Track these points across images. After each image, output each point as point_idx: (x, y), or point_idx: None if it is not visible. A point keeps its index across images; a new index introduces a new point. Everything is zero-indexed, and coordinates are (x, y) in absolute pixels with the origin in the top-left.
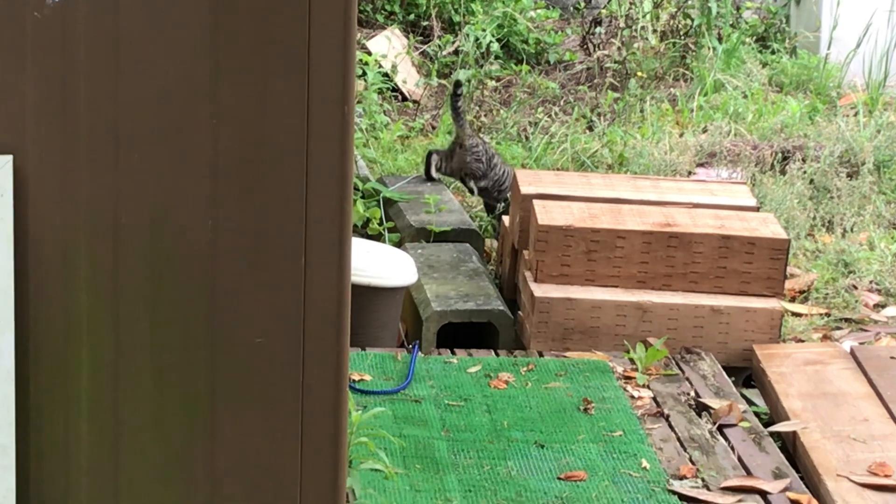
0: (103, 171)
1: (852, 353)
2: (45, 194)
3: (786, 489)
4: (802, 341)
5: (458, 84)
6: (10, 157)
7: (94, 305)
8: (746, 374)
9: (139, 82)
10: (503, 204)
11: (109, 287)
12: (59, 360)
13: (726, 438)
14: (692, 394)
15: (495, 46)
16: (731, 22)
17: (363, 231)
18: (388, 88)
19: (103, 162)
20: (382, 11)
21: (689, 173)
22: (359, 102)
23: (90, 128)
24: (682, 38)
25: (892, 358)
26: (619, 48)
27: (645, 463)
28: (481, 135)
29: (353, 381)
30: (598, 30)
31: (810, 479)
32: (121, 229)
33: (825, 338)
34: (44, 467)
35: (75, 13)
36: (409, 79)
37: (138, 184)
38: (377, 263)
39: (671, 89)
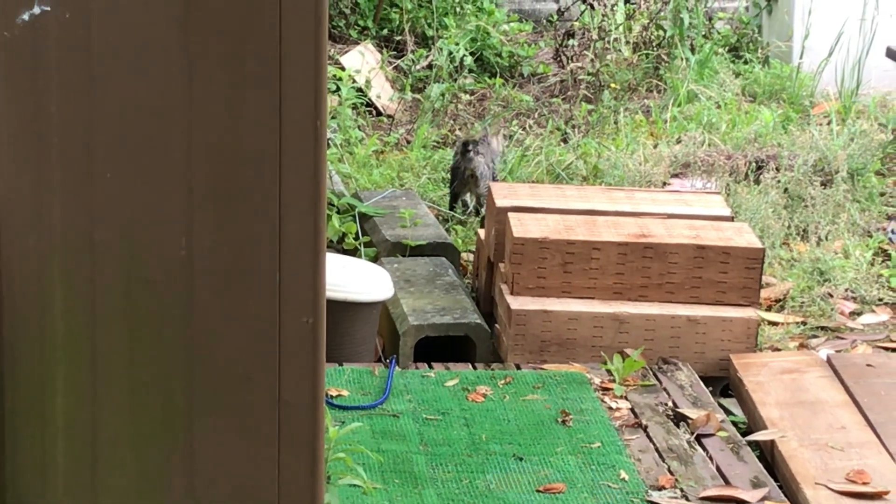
0: (77, 190)
1: (829, 361)
2: (17, 214)
3: (764, 498)
4: (779, 350)
5: (465, 146)
6: None
7: (69, 324)
8: (724, 383)
9: (111, 101)
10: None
11: (85, 306)
12: (35, 379)
13: (704, 448)
14: (670, 404)
15: (469, 60)
16: (703, 33)
17: (339, 246)
18: (362, 103)
19: (76, 181)
20: (355, 27)
21: (664, 184)
22: (333, 118)
23: (63, 147)
24: (655, 49)
25: (868, 365)
26: (592, 60)
27: (623, 474)
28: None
29: (331, 396)
30: (571, 42)
31: (789, 487)
32: (95, 248)
33: (801, 346)
34: (20, 487)
35: (46, 32)
36: (382, 94)
37: (112, 202)
38: (353, 278)
39: (645, 100)
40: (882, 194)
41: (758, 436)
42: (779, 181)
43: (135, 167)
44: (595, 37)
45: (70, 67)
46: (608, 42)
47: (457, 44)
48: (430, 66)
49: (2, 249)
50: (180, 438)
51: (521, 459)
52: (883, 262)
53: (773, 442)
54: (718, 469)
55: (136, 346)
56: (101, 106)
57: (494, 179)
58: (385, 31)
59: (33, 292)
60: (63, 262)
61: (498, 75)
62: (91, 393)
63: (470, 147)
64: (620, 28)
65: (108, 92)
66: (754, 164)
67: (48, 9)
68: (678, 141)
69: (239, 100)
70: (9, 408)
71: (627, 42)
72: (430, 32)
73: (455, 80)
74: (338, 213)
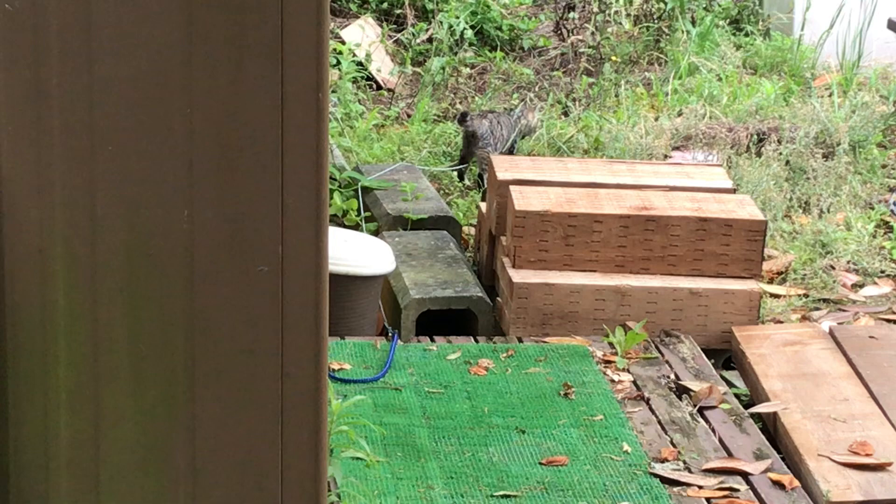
0: (78, 163)
1: (831, 333)
2: (19, 187)
3: (767, 470)
4: (781, 322)
5: (463, 117)
6: None
7: (70, 298)
8: (726, 356)
9: (112, 73)
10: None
11: (86, 279)
12: (37, 353)
13: (707, 421)
14: (672, 377)
15: (469, 33)
16: (704, 5)
17: (340, 221)
18: (362, 77)
19: (78, 154)
20: (355, 0)
21: (665, 157)
22: (333, 92)
23: (64, 120)
24: (656, 21)
25: (870, 337)
26: (592, 33)
27: (626, 446)
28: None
29: (333, 370)
30: (571, 15)
31: (791, 459)
32: (97, 221)
33: (804, 318)
34: (23, 461)
35: (46, 5)
36: (383, 67)
37: (114, 175)
38: (355, 252)
39: (646, 73)
40: (884, 166)
41: (760, 408)
42: (780, 153)
43: (136, 141)
44: (595, 9)
45: (70, 40)
46: (609, 15)
47: (457, 17)
48: (430, 40)
49: (3, 223)
50: (182, 411)
51: (523, 432)
52: (885, 234)
53: (775, 414)
54: (721, 441)
55: (137, 319)
56: (101, 79)
57: (514, 144)
58: (385, 5)
59: (35, 266)
60: (64, 235)
61: (498, 49)
62: (93, 367)
63: (467, 119)
64: (621, 0)
65: (108, 65)
66: (756, 137)
67: None
68: (679, 114)
69: (240, 72)
70: (11, 381)
71: (628, 15)
72: (429, 6)
73: (455, 53)
74: (339, 187)
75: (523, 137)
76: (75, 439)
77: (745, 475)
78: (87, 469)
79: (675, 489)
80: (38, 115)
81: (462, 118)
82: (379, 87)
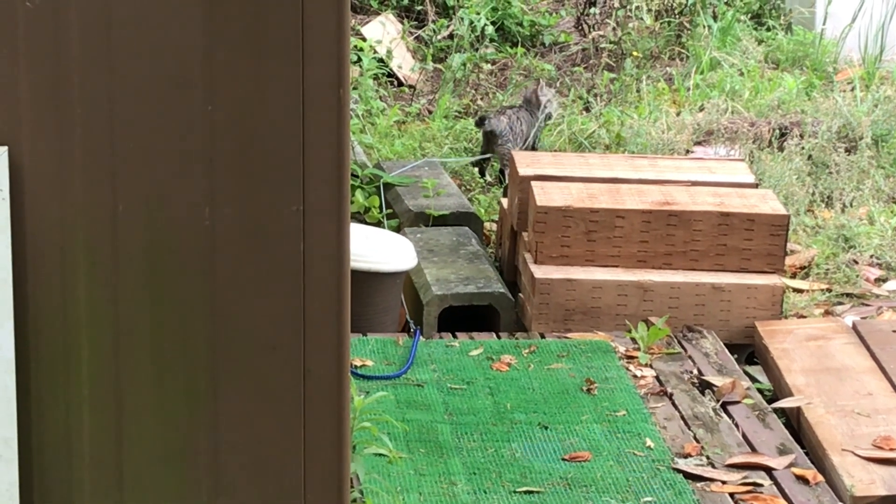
0: (99, 160)
1: (854, 327)
2: (41, 185)
3: (791, 465)
4: (804, 317)
5: (481, 120)
6: (5, 149)
7: (93, 295)
8: (749, 351)
9: (133, 70)
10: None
11: (108, 276)
12: (60, 350)
13: (730, 416)
14: (695, 372)
15: (490, 29)
16: (725, 0)
17: (362, 218)
18: (383, 74)
19: (99, 151)
20: None
21: (687, 152)
22: (354, 88)
23: (85, 117)
24: (677, 16)
25: (894, 332)
26: (614, 28)
27: (649, 442)
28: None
29: (355, 366)
30: (592, 10)
31: (815, 454)
32: (118, 218)
33: (827, 313)
34: (46, 459)
35: (67, 2)
36: (404, 64)
37: (135, 172)
38: (376, 248)
39: (667, 68)
40: None
41: (784, 403)
42: (803, 148)
43: (157, 137)
44: (616, 4)
45: (91, 38)
46: (630, 10)
47: (478, 13)
48: (451, 36)
49: (25, 220)
50: (205, 408)
51: (546, 428)
52: None
53: (799, 409)
54: (744, 436)
55: (158, 316)
56: (122, 76)
57: (536, 139)
58: (406, 1)
59: (56, 263)
60: (86, 232)
61: (519, 45)
62: (115, 363)
63: (485, 122)
64: None
65: (129, 62)
66: (778, 131)
67: None
68: (701, 109)
69: (261, 68)
70: (33, 379)
71: (649, 10)
72: (450, 2)
73: (476, 49)
74: (361, 184)
75: (547, 119)
76: (98, 435)
77: (768, 470)
78: (109, 464)
79: (699, 484)
80: (60, 113)
81: (480, 122)
82: (400, 84)
